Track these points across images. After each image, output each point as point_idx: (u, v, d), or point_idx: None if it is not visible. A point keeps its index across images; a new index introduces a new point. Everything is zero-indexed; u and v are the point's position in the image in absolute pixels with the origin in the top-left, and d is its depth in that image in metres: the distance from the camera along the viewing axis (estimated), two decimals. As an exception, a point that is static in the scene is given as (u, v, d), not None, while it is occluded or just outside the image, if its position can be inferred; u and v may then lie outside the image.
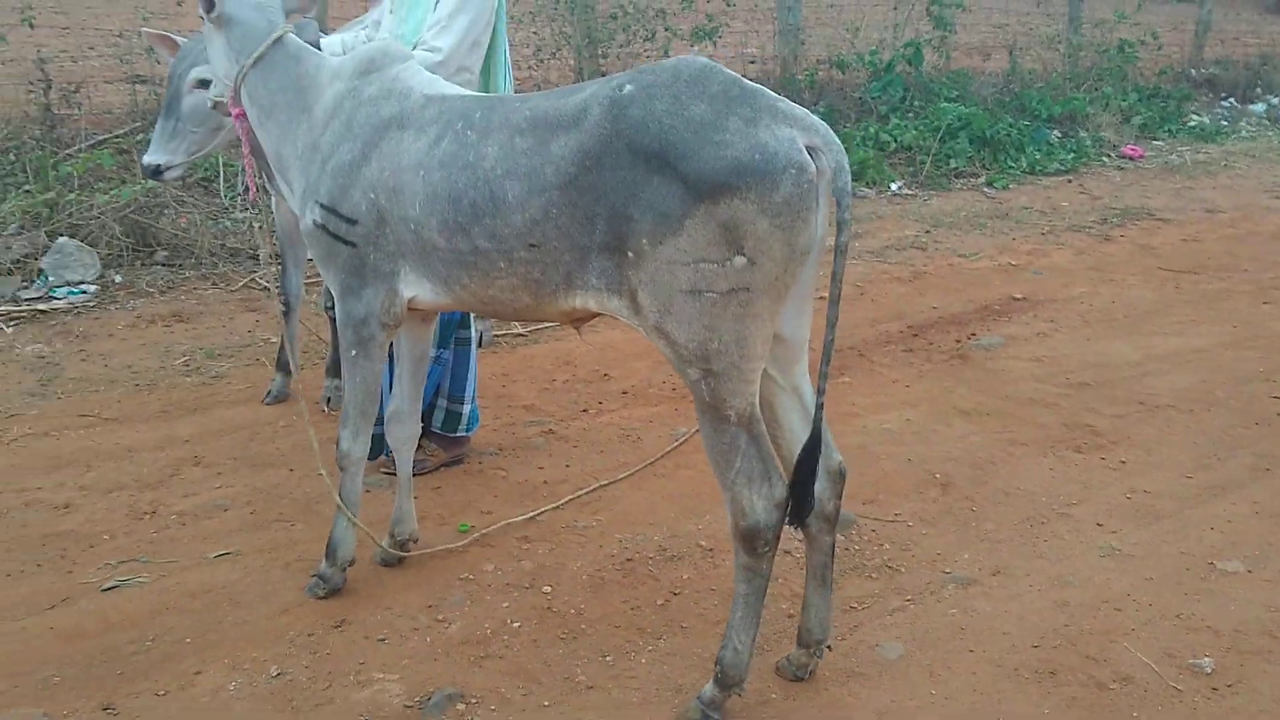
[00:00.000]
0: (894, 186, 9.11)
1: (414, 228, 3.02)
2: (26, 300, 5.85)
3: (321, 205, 3.15)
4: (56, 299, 5.91)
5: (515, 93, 4.31)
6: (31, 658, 3.20)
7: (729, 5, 9.93)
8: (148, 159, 4.14)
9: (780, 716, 3.07)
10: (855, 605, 3.61)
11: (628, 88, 2.75)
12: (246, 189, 3.66)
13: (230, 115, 3.43)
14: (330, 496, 3.57)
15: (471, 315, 4.27)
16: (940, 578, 3.77)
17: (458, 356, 4.28)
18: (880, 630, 3.47)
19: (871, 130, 9.68)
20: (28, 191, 6.46)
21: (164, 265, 6.45)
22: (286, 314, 4.72)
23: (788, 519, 2.91)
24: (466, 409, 4.34)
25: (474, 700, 3.08)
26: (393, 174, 3.03)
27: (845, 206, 2.74)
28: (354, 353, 3.29)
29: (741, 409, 2.81)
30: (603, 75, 9.44)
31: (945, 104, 10.12)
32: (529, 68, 9.59)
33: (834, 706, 3.12)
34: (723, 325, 2.71)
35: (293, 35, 3.32)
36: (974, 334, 6.07)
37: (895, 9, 11.18)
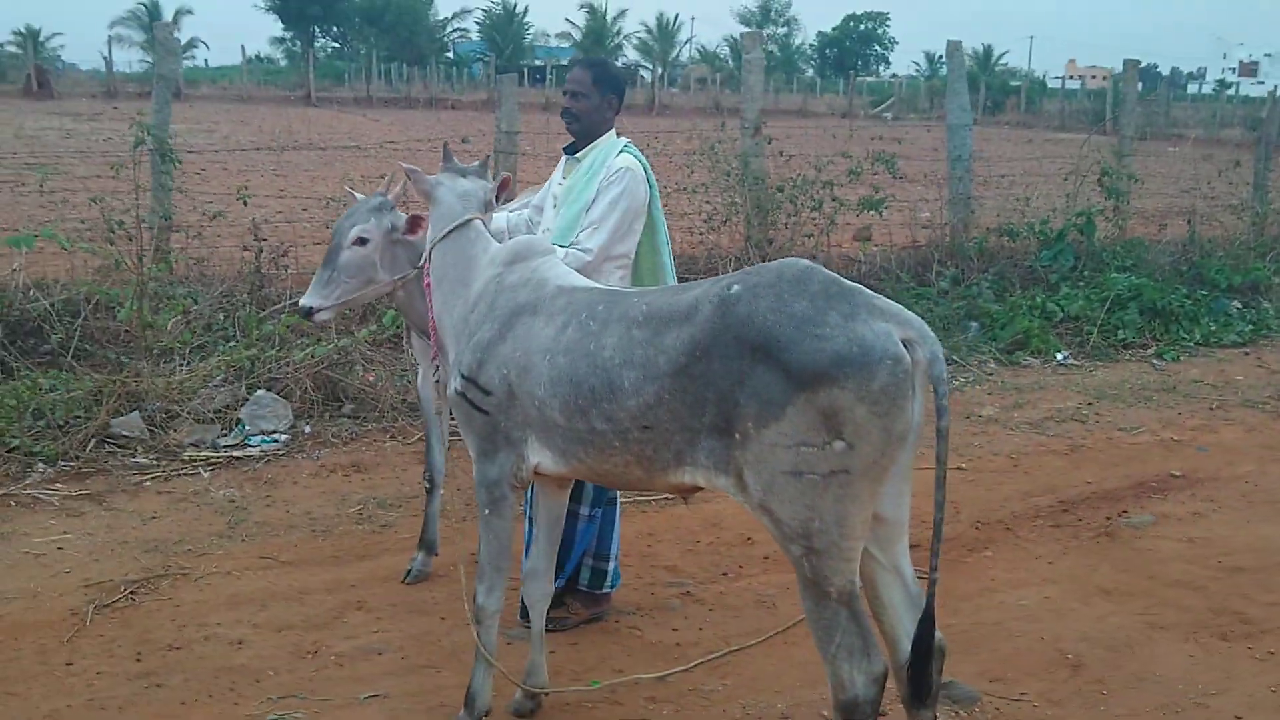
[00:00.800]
0: (1060, 356, 9.10)
1: (538, 405, 3.34)
2: (224, 447, 6.43)
3: (463, 375, 3.52)
4: (251, 446, 6.47)
5: (675, 264, 4.67)
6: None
7: (895, 177, 10.23)
8: (303, 301, 4.49)
9: None
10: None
11: (735, 287, 3.03)
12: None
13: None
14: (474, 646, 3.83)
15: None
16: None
17: (606, 515, 4.55)
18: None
19: (1039, 299, 9.71)
20: (234, 346, 7.13)
21: (349, 417, 6.99)
22: (430, 491, 5.07)
23: (909, 700, 3.05)
24: (610, 566, 4.59)
25: None
26: (524, 354, 3.38)
27: (942, 394, 2.93)
28: (487, 511, 3.60)
29: (842, 586, 2.97)
30: (769, 243, 9.91)
31: (1115, 274, 10.09)
32: (701, 234, 10.05)
33: None
34: (823, 505, 2.90)
35: (479, 223, 3.78)
36: (1125, 511, 6.00)
37: (1066, 180, 11.27)
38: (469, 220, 3.76)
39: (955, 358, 8.77)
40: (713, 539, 5.59)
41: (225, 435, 6.56)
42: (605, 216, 4.19)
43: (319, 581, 4.95)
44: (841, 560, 2.96)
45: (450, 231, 3.75)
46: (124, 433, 6.37)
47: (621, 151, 4.34)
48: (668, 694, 4.13)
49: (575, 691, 4.04)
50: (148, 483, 5.96)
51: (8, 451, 6.05)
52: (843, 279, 3.05)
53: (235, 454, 6.37)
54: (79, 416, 6.35)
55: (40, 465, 6.00)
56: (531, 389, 3.35)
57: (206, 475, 6.11)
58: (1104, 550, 5.51)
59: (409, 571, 5.02)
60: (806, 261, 3.12)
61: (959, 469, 6.56)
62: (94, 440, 6.25)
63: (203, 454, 6.32)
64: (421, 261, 4.00)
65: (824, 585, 2.98)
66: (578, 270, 3.90)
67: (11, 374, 6.67)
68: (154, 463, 6.18)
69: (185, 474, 6.10)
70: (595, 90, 4.37)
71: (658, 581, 5.08)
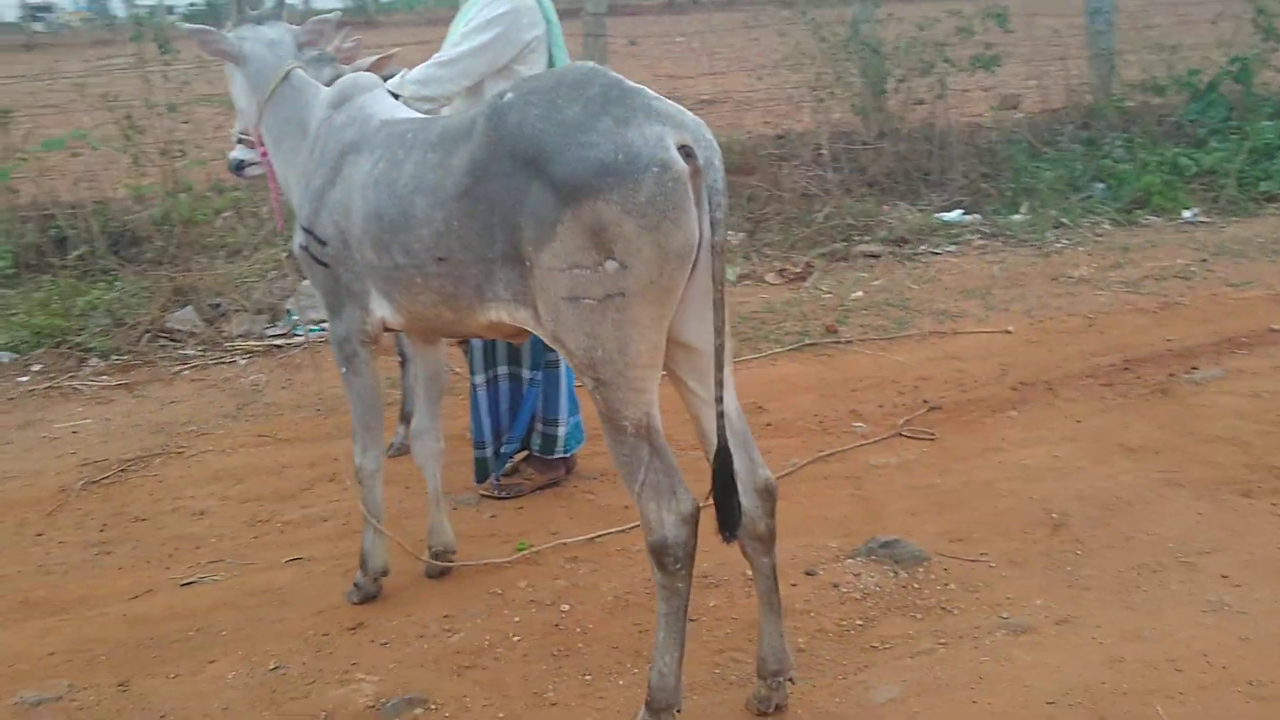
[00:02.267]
0: (1187, 214, 8.24)
1: (356, 246, 3.18)
2: (270, 337, 6.55)
3: (302, 227, 3.38)
4: (298, 335, 6.56)
5: None
6: (97, 638, 3.59)
7: (1006, 31, 9.39)
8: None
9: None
10: (878, 645, 3.34)
11: (508, 95, 2.78)
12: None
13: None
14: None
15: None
16: (994, 623, 3.40)
17: (548, 379, 4.37)
18: (889, 673, 3.19)
19: (1168, 155, 8.81)
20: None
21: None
22: (403, 363, 4.99)
23: (722, 534, 2.79)
24: (561, 431, 4.41)
25: (433, 707, 3.14)
26: (346, 195, 3.21)
27: (717, 205, 2.61)
28: (344, 370, 3.48)
29: (636, 419, 2.72)
30: (881, 112, 9.36)
31: (1265, 122, 9.04)
32: (813, 109, 9.56)
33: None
34: (603, 332, 2.65)
35: (299, 71, 3.60)
36: (1195, 367, 5.39)
37: (1216, 24, 10.13)
38: (290, 70, 3.59)
39: (1065, 220, 8.09)
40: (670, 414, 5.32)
41: (271, 326, 6.68)
42: (467, 36, 3.94)
43: (304, 457, 4.97)
44: (630, 391, 2.70)
45: (275, 88, 3.58)
46: (178, 327, 6.57)
47: None
48: (594, 555, 3.96)
49: (488, 562, 3.92)
50: (186, 372, 6.13)
51: (68, 348, 6.34)
52: (627, 82, 2.74)
53: (277, 343, 6.48)
54: (134, 314, 6.58)
55: (94, 359, 6.26)
56: (352, 230, 3.20)
57: (243, 363, 6.24)
58: (1148, 407, 4.96)
59: (390, 445, 4.97)
60: (593, 64, 2.83)
61: (1006, 333, 6.07)
62: (148, 335, 6.47)
63: (248, 344, 6.46)
64: (252, 130, 3.73)
65: (618, 419, 2.73)
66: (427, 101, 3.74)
67: (83, 276, 6.98)
68: (200, 354, 6.36)
69: (224, 363, 6.25)
70: None
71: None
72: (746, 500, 2.85)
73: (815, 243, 8.01)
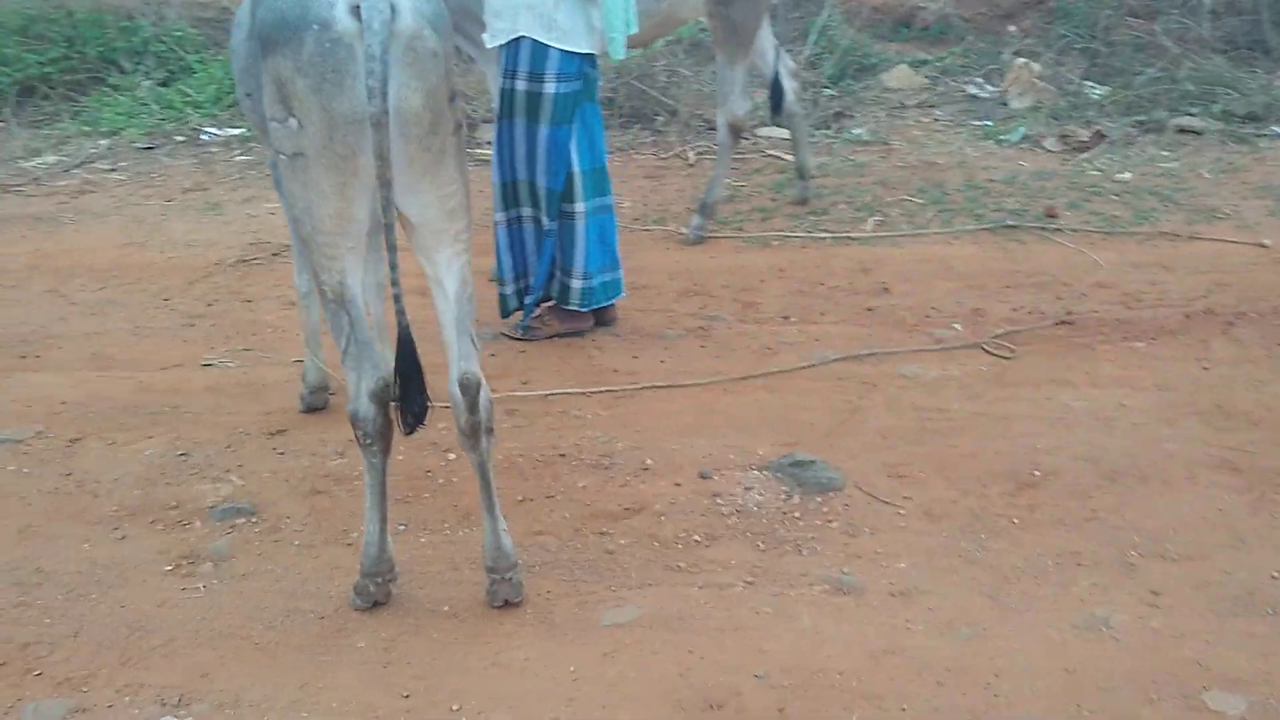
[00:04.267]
0: None
1: None
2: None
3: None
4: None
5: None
6: (102, 395, 4.09)
7: None
8: None
9: (409, 652, 2.80)
10: (682, 566, 3.07)
11: None
12: None
13: None
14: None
15: (584, 186, 4.20)
16: (827, 576, 3.01)
17: (564, 229, 4.26)
18: (649, 598, 2.93)
19: None
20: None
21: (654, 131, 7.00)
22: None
23: (401, 426, 2.70)
24: (576, 283, 4.30)
25: (255, 520, 3.34)
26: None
27: (371, 72, 2.40)
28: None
29: (330, 284, 2.67)
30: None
31: None
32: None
33: (466, 643, 2.81)
34: (294, 191, 2.63)
35: None
36: None
37: None
38: None
39: None
40: (775, 281, 4.94)
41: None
42: None
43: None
44: (321, 255, 2.64)
45: None
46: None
47: None
48: (534, 410, 3.90)
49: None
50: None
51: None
52: None
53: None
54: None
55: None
56: None
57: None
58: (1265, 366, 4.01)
59: None
60: None
61: (1260, 246, 5.04)
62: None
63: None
64: None
65: (319, 282, 2.70)
66: None
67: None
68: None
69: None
70: None
71: (690, 311, 4.64)
72: (453, 391, 2.72)
73: (1134, 107, 6.92)
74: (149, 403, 4.04)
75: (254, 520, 3.34)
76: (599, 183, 4.24)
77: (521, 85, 4.05)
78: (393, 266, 2.56)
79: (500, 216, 4.28)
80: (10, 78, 7.62)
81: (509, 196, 4.25)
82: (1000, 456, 3.52)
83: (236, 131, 7.20)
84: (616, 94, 7.08)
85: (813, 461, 3.46)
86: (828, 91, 7.37)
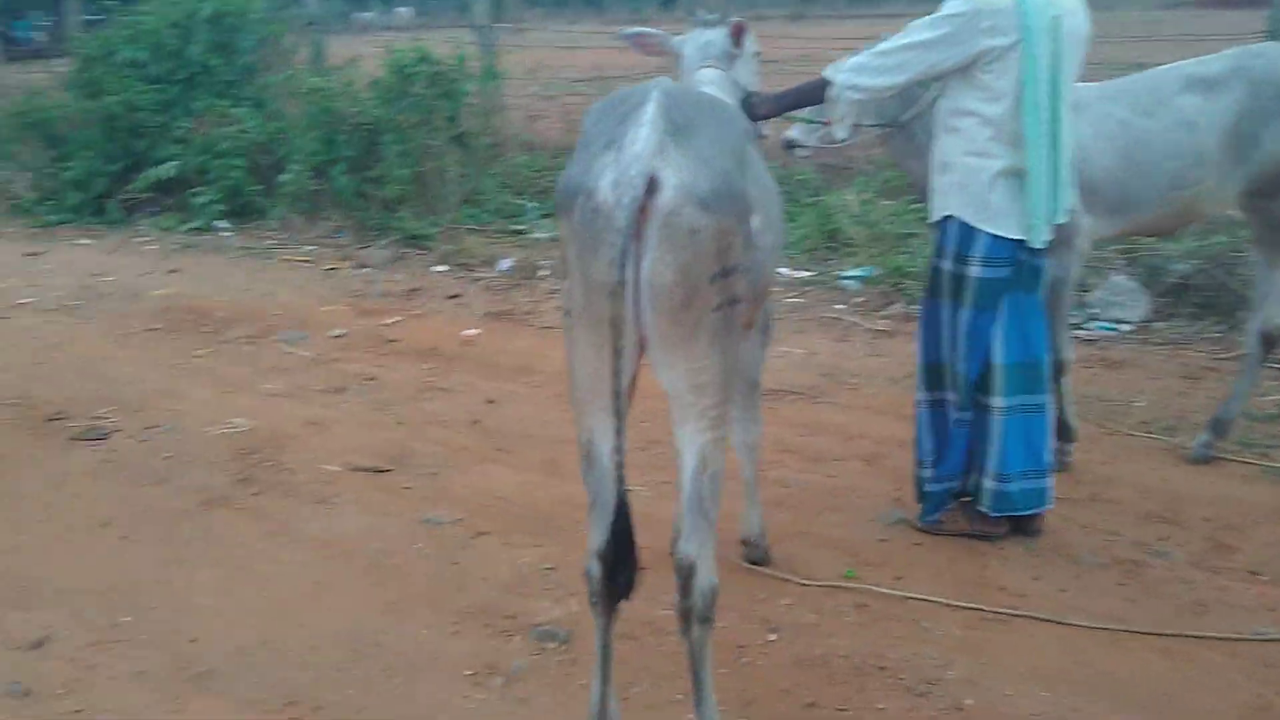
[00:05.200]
0: None
1: None
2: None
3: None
4: (1087, 330, 6.24)
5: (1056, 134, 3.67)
6: (534, 505, 4.40)
7: None
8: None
9: None
10: None
11: None
12: None
13: None
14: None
15: (1005, 380, 3.83)
16: None
17: (978, 422, 3.91)
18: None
19: None
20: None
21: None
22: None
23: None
24: (990, 485, 3.90)
25: (565, 648, 3.44)
26: None
27: (613, 245, 2.42)
28: None
29: (582, 440, 2.75)
30: None
31: None
32: None
33: None
34: (566, 346, 2.73)
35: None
36: None
37: None
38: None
39: None
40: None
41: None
42: (908, 33, 3.65)
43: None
44: (577, 410, 2.73)
45: None
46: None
47: None
48: (884, 610, 3.60)
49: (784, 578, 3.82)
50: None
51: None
52: (649, 107, 2.54)
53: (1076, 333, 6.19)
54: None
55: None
56: None
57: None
58: None
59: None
60: (661, 81, 2.73)
61: None
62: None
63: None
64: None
65: (577, 433, 2.74)
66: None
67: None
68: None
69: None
70: None
71: (1138, 539, 4.00)
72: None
73: None
74: (560, 514, 4.29)
75: (563, 647, 3.45)
76: (1027, 380, 3.84)
77: (948, 265, 3.82)
78: (617, 432, 2.55)
79: (922, 396, 4.04)
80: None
81: (931, 378, 4.00)
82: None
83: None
84: (1191, 279, 6.35)
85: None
86: None
